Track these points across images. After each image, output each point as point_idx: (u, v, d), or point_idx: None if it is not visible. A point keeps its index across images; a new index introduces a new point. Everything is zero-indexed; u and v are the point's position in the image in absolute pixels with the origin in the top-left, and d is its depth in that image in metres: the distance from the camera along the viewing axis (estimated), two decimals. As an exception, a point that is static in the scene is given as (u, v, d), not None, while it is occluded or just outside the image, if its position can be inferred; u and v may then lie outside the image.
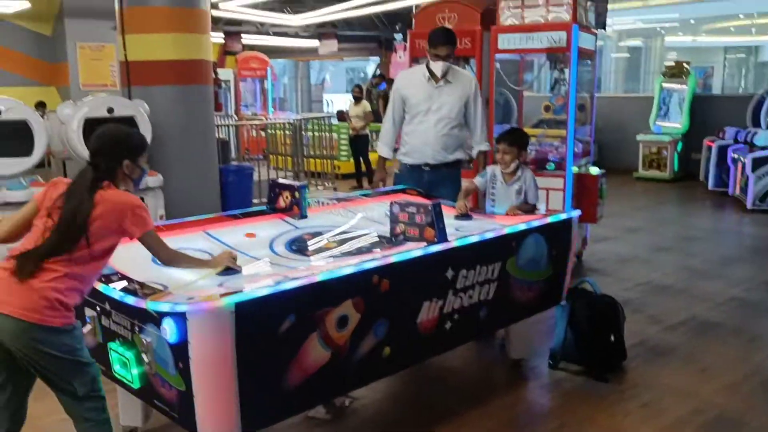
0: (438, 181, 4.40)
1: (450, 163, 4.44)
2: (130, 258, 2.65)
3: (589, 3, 6.03)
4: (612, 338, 3.83)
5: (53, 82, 14.13)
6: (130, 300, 2.38)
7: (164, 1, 6.87)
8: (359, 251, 3.11)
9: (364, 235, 3.38)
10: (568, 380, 3.77)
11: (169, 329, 2.23)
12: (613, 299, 3.91)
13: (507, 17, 5.62)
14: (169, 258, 2.54)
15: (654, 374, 3.83)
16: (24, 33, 13.72)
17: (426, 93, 4.39)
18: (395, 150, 4.70)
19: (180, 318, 2.20)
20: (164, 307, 2.24)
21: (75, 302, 2.34)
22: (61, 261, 2.27)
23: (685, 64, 11.50)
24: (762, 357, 4.09)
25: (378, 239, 3.31)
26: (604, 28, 9.84)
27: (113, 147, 2.43)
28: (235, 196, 7.51)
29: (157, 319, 2.29)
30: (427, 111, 4.39)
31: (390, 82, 15.05)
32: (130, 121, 6.45)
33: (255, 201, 7.98)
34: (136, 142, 2.53)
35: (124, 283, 2.52)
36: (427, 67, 4.40)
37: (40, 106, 10.50)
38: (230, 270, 2.65)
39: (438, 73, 4.33)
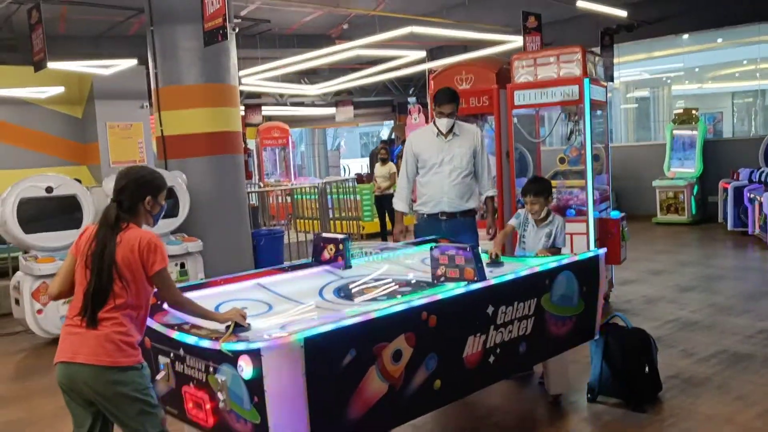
0: (455, 229, 4.70)
1: (465, 211, 4.78)
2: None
3: (597, 58, 6.41)
4: (647, 369, 3.98)
5: (85, 161, 14.74)
6: (206, 343, 2.62)
7: (196, 79, 7.37)
8: (403, 293, 3.35)
9: (404, 279, 3.62)
10: (607, 413, 3.92)
11: (245, 366, 2.47)
12: (644, 331, 4.09)
13: (521, 75, 6.00)
14: (177, 300, 2.70)
15: (690, 404, 3.97)
16: (57, 116, 14.42)
17: (437, 147, 4.76)
18: (412, 204, 5.04)
19: (255, 354, 2.44)
20: (240, 345, 2.48)
21: (138, 338, 2.60)
22: (117, 305, 2.53)
23: (693, 111, 11.84)
24: (795, 384, 4.21)
25: (419, 282, 3.55)
26: (612, 81, 10.23)
27: (137, 185, 2.69)
28: (267, 258, 7.81)
29: (231, 358, 2.53)
30: (441, 163, 4.75)
31: (404, 142, 15.55)
32: (169, 191, 6.83)
33: (286, 263, 8.26)
34: (157, 180, 2.77)
35: (196, 330, 2.78)
36: (435, 125, 4.76)
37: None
38: (239, 327, 2.71)
39: (444, 129, 4.72)
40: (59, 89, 12.35)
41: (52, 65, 8.49)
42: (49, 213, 6.19)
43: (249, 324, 2.76)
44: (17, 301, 6.11)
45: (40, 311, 5.94)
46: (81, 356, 2.52)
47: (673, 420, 3.77)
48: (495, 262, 4.03)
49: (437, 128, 4.76)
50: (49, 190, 6.11)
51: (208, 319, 2.79)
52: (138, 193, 2.68)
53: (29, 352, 6.06)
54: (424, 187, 4.83)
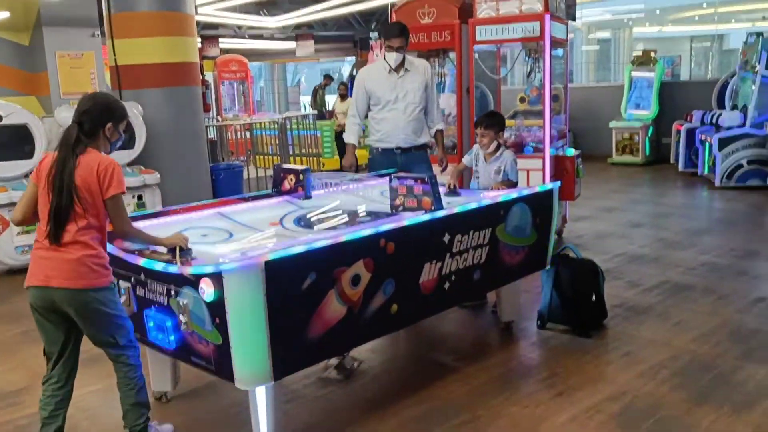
0: (410, 162, 4.78)
1: (419, 145, 4.86)
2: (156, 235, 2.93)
3: (559, -5, 6.41)
4: (593, 298, 4.18)
5: (33, 92, 14.16)
6: (172, 268, 2.66)
7: (151, 5, 7.13)
8: (362, 223, 3.42)
9: (363, 210, 3.69)
10: (555, 338, 4.12)
11: (206, 288, 2.52)
12: (592, 262, 4.27)
13: (483, 10, 5.97)
14: (125, 230, 2.74)
15: (633, 329, 4.20)
16: (2, 43, 13.79)
17: (390, 84, 4.77)
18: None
19: (217, 277, 2.49)
20: (202, 269, 2.53)
21: (107, 259, 2.68)
22: (80, 228, 2.58)
23: (652, 53, 11.99)
24: (730, 312, 4.47)
25: (378, 213, 3.62)
26: (574, 20, 10.24)
27: (100, 110, 2.70)
28: (226, 193, 7.74)
29: (193, 281, 2.58)
30: (395, 100, 4.77)
31: None
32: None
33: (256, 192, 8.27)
34: (121, 109, 2.79)
35: (157, 255, 2.81)
36: (385, 60, 4.76)
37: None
38: (182, 250, 2.76)
39: (393, 64, 4.72)
40: (4, 14, 11.76)
41: (-4, -13, 8.09)
42: (-1, 142, 6.02)
43: (191, 248, 2.81)
44: (-31, 232, 5.99)
45: (-7, 242, 5.85)
46: (55, 280, 2.59)
47: (616, 344, 3.99)
48: (452, 192, 4.12)
49: (388, 64, 4.76)
50: (-2, 118, 5.92)
51: (157, 245, 2.84)
52: (101, 118, 2.69)
53: (-17, 282, 6.00)
54: (379, 124, 4.85)
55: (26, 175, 6.21)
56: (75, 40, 13.61)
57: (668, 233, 6.66)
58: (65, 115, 6.43)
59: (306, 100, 28.71)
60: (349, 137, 5.06)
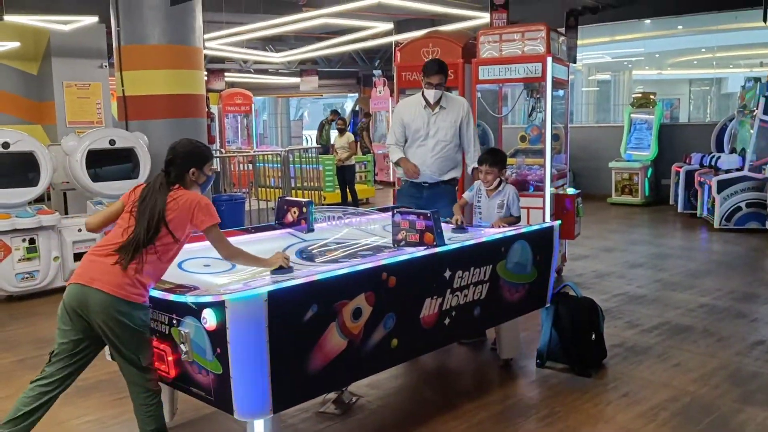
0: (435, 195, 4.83)
1: (447, 180, 4.90)
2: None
3: (561, 37, 6.54)
4: (593, 337, 4.18)
5: (39, 121, 14.34)
6: (171, 296, 2.68)
7: (160, 38, 7.26)
8: (363, 256, 3.44)
9: (365, 243, 3.72)
10: (554, 377, 4.10)
11: (209, 318, 2.53)
12: (592, 301, 4.27)
13: (486, 50, 6.09)
14: (231, 253, 2.92)
15: (632, 370, 4.19)
16: (11, 72, 13.98)
17: (424, 120, 4.85)
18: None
19: (219, 307, 2.51)
20: (205, 298, 2.55)
21: (151, 284, 2.76)
22: (146, 252, 2.72)
23: (651, 95, 12.16)
24: (730, 353, 4.46)
25: (378, 247, 3.65)
26: (575, 62, 10.39)
27: (183, 158, 2.89)
28: (228, 224, 7.76)
29: (195, 310, 2.59)
30: (426, 136, 4.85)
31: (368, 115, 15.54)
32: (130, 152, 6.78)
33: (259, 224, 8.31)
34: (204, 153, 2.99)
35: (161, 285, 2.83)
36: (423, 95, 4.83)
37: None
38: (282, 269, 2.92)
39: (431, 100, 4.80)
40: (14, 44, 11.96)
41: (8, 18, 8.24)
42: (5, 169, 6.06)
43: (292, 266, 2.97)
44: (-29, 258, 6.00)
45: (-7, 268, 5.86)
46: (98, 282, 2.68)
47: (616, 384, 3.97)
48: (459, 228, 4.15)
49: (425, 99, 4.83)
50: (5, 145, 5.98)
51: (262, 266, 2.98)
52: (184, 166, 2.87)
53: (-18, 309, 5.99)
54: (411, 158, 4.90)
55: (30, 203, 6.26)
56: (83, 70, 13.84)
57: (667, 274, 6.68)
58: (71, 144, 6.51)
59: (309, 134, 29.02)
60: (396, 153, 4.93)
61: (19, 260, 5.96)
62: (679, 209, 10.37)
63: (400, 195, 5.00)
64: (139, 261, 2.70)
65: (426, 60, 5.00)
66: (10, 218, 5.88)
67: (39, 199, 6.75)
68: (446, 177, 4.90)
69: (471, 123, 4.96)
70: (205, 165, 2.95)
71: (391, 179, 13.15)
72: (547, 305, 4.19)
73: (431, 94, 4.79)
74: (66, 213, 7.66)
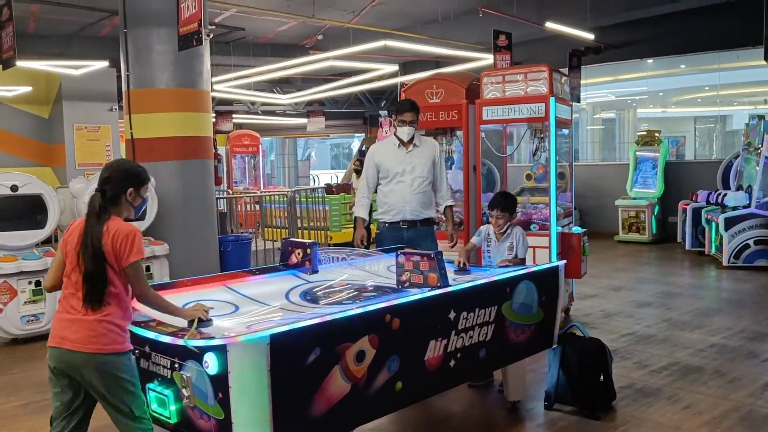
0: (416, 237, 4.85)
1: (424, 220, 4.94)
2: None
3: (564, 78, 6.61)
4: (601, 378, 4.12)
5: (50, 163, 14.52)
6: (172, 340, 2.66)
7: (168, 82, 7.38)
8: (367, 298, 3.43)
9: (369, 284, 3.70)
10: (562, 419, 4.03)
11: (210, 362, 2.52)
12: (600, 341, 4.22)
13: (490, 91, 6.16)
14: (145, 295, 2.74)
15: (642, 412, 4.11)
16: (22, 116, 14.21)
17: (398, 158, 4.93)
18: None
19: (221, 351, 2.49)
20: (206, 342, 2.54)
21: (126, 323, 2.70)
22: (110, 295, 2.64)
23: (656, 133, 12.22)
24: (741, 395, 4.38)
25: (384, 288, 3.64)
26: (579, 101, 10.49)
27: (121, 176, 2.80)
28: (234, 265, 7.80)
29: (197, 354, 2.58)
30: (403, 173, 4.92)
31: None
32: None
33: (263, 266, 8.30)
34: (141, 174, 2.88)
35: (162, 328, 2.82)
36: (396, 135, 4.92)
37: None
38: (202, 322, 2.77)
39: (405, 138, 4.89)
40: (27, 88, 12.19)
41: (21, 64, 8.41)
42: (13, 212, 6.12)
43: (211, 319, 2.84)
44: (-23, 300, 6.01)
45: None
46: (68, 342, 2.62)
47: (625, 427, 3.90)
48: (462, 270, 4.13)
49: (398, 139, 4.92)
50: (14, 188, 6.04)
51: (174, 315, 2.84)
52: (122, 185, 2.79)
53: (-13, 351, 5.97)
54: (387, 197, 4.96)
55: (37, 245, 6.29)
56: (93, 113, 14.06)
57: (676, 313, 6.61)
58: (79, 187, 6.57)
59: (315, 173, 29.18)
60: (359, 211, 5.15)
61: (25, 303, 5.97)
62: (687, 247, 10.31)
63: (380, 238, 5.00)
64: (101, 300, 2.61)
65: (401, 100, 5.12)
66: (17, 261, 5.91)
67: (47, 241, 6.79)
68: (425, 215, 4.93)
69: (443, 162, 5.12)
70: (142, 186, 2.85)
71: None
72: (554, 346, 4.14)
73: (404, 131, 4.88)
74: (73, 255, 7.69)
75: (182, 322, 2.90)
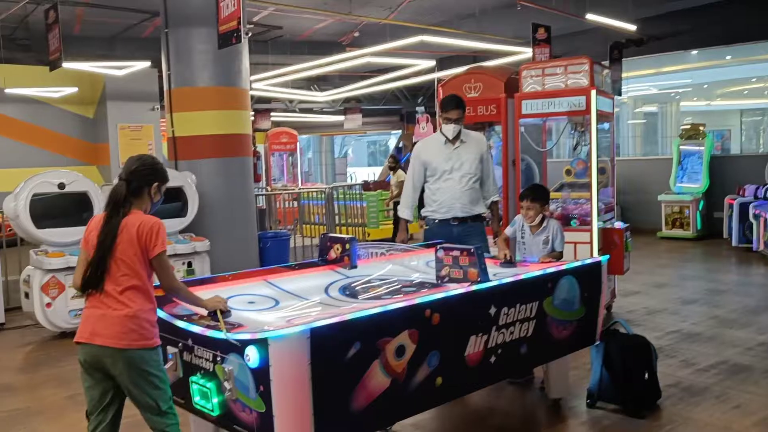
0: (466, 234, 4.73)
1: (475, 216, 4.83)
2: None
3: (605, 70, 6.49)
4: (646, 376, 4.03)
5: (95, 161, 14.91)
6: (215, 333, 2.69)
7: (208, 81, 7.49)
8: (407, 293, 3.42)
9: (409, 279, 3.69)
10: (605, 418, 3.96)
11: (252, 355, 2.53)
12: (644, 338, 4.13)
13: (529, 85, 6.08)
14: (173, 286, 2.81)
15: (689, 411, 4.01)
16: (69, 116, 14.61)
17: (445, 155, 4.82)
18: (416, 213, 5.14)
19: (263, 344, 2.51)
20: (248, 335, 2.55)
21: (155, 318, 2.73)
22: (125, 288, 2.66)
23: (700, 126, 11.90)
24: (793, 395, 4.24)
25: (421, 283, 3.62)
26: (620, 95, 10.28)
27: (149, 170, 2.84)
28: (273, 261, 7.88)
29: (239, 348, 2.60)
30: (451, 170, 4.81)
31: None
32: (179, 191, 6.94)
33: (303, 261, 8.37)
34: (165, 172, 2.93)
35: (204, 321, 2.86)
36: (441, 132, 4.84)
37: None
38: (222, 313, 2.82)
39: (450, 135, 4.79)
40: (73, 89, 12.51)
41: (67, 65, 8.62)
42: (60, 209, 6.29)
43: (230, 310, 2.89)
44: (27, 295, 6.19)
45: (49, 305, 6.02)
46: (99, 338, 2.66)
47: (671, 426, 3.81)
48: (508, 263, 4.09)
49: (444, 135, 4.83)
50: (61, 186, 6.20)
51: (197, 305, 2.90)
52: (148, 178, 2.83)
53: (37, 344, 6.14)
54: (435, 194, 4.88)
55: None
56: (135, 113, 14.40)
57: (723, 311, 6.43)
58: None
59: (352, 170, 29.30)
60: (403, 211, 5.08)
61: (72, 297, 6.11)
62: (734, 243, 10.02)
63: (429, 235, 4.93)
64: (121, 296, 2.64)
65: (446, 95, 5.00)
66: (64, 256, 6.06)
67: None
68: (476, 211, 4.83)
69: (490, 157, 4.99)
70: (164, 184, 2.89)
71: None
72: (597, 343, 4.06)
73: (450, 129, 4.78)
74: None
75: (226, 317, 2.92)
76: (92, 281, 2.68)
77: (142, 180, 2.81)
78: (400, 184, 11.17)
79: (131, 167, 2.83)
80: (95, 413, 2.78)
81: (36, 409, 4.50)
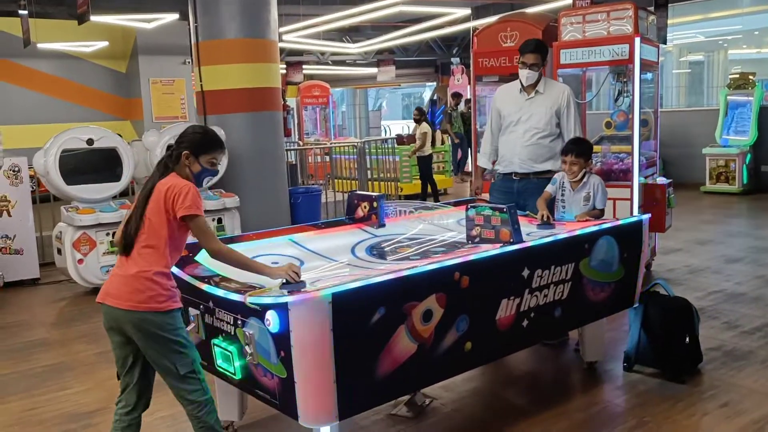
0: (527, 190, 4.47)
1: (539, 172, 4.50)
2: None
3: (650, 17, 6.11)
4: (687, 340, 3.85)
5: (128, 116, 14.96)
6: (236, 296, 2.60)
7: (236, 33, 7.30)
8: (436, 253, 3.28)
9: (439, 239, 3.55)
10: (643, 382, 3.81)
11: (272, 320, 2.44)
12: (686, 301, 3.93)
13: (569, 32, 5.76)
14: (217, 250, 2.66)
15: (732, 376, 3.83)
16: (102, 70, 14.62)
17: (517, 105, 4.53)
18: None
19: (282, 309, 2.41)
20: (268, 300, 2.45)
21: (169, 282, 2.62)
22: (142, 246, 2.59)
23: (750, 75, 11.32)
24: None
25: (452, 243, 3.47)
26: (665, 43, 9.79)
27: (185, 139, 2.74)
28: (304, 216, 7.80)
29: (260, 312, 2.51)
30: (517, 122, 4.53)
31: (457, 96, 15.06)
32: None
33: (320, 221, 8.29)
34: (205, 140, 2.76)
35: (226, 284, 2.77)
36: (519, 79, 4.54)
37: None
38: (290, 284, 2.63)
39: (524, 82, 4.46)
40: (103, 43, 12.45)
41: (94, 18, 8.53)
42: (90, 165, 6.26)
43: (304, 281, 2.68)
44: (59, 251, 6.24)
45: (80, 261, 6.06)
46: (111, 298, 2.60)
47: (713, 392, 3.64)
48: (546, 224, 3.90)
49: (521, 83, 4.52)
50: (90, 142, 6.16)
51: (261, 273, 2.72)
52: (182, 146, 2.72)
53: (70, 300, 6.21)
54: (501, 147, 4.65)
55: (114, 197, 6.44)
56: (167, 67, 14.32)
57: (770, 270, 6.16)
58: (152, 140, 6.64)
59: (386, 124, 28.97)
60: (480, 159, 4.88)
61: (104, 254, 6.14)
62: (782, 198, 9.61)
63: (492, 189, 4.72)
64: (138, 254, 2.58)
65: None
66: (95, 213, 6.07)
67: (124, 193, 6.96)
68: (539, 168, 4.48)
69: (572, 112, 4.51)
70: (203, 154, 2.71)
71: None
72: (636, 305, 3.89)
73: (524, 74, 4.43)
74: (149, 207, 7.87)
75: (246, 278, 2.83)
76: (124, 240, 2.63)
77: (179, 148, 2.73)
78: (423, 136, 10.96)
79: (179, 134, 2.79)
80: (122, 374, 2.74)
81: (68, 364, 4.54)
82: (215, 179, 6.47)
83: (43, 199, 7.69)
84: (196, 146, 2.73)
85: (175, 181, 2.64)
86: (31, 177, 7.36)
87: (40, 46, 11.68)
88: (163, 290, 2.58)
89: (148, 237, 2.60)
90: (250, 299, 2.53)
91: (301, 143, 14.55)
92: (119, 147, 6.36)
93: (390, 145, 11.85)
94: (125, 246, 2.61)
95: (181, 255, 2.81)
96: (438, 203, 4.43)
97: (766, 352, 4.17)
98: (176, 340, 2.60)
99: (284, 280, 2.66)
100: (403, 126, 26.51)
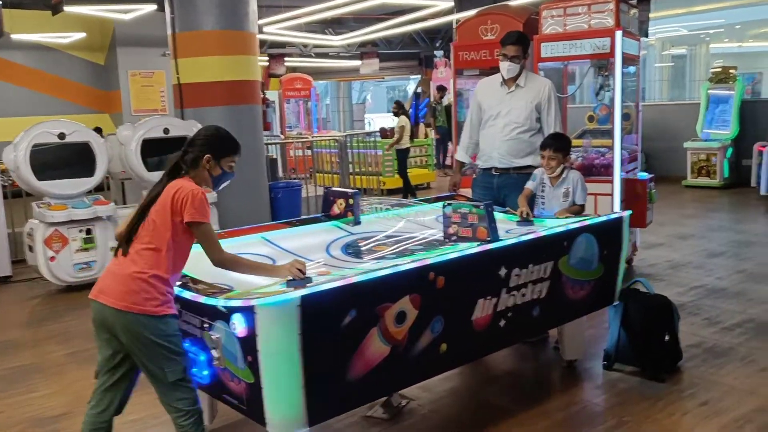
0: (507, 185, 4.41)
1: (519, 167, 4.42)
2: (197, 262, 2.78)
3: (632, 10, 6.05)
4: (667, 338, 3.81)
5: (107, 109, 14.72)
6: (201, 299, 2.51)
7: (214, 25, 7.16)
8: (412, 252, 3.20)
9: (417, 237, 3.47)
10: (623, 380, 3.76)
11: (238, 323, 2.34)
12: (666, 298, 3.89)
13: (549, 26, 5.69)
14: (220, 259, 2.58)
15: (712, 374, 3.80)
16: (80, 62, 14.36)
17: (498, 98, 4.46)
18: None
19: (249, 312, 2.31)
20: (234, 302, 2.36)
21: (166, 287, 2.51)
22: (141, 247, 2.49)
23: (731, 69, 11.33)
24: (824, 357, 4.00)
25: (430, 241, 3.39)
26: (647, 36, 9.75)
27: (203, 141, 2.65)
28: (284, 211, 7.70)
29: (226, 315, 2.41)
30: (497, 116, 4.45)
31: (442, 89, 14.97)
32: (184, 141, 6.72)
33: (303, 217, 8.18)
34: (226, 143, 2.70)
35: (194, 285, 2.67)
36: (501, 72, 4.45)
37: (97, 131, 10.95)
38: (295, 281, 2.58)
39: (505, 74, 4.38)
40: (81, 35, 12.22)
41: (69, 9, 8.33)
42: (62, 160, 6.10)
43: (310, 277, 2.62)
44: (31, 248, 6.09)
45: (52, 258, 5.91)
46: (104, 296, 2.51)
47: (693, 391, 3.60)
48: (526, 221, 3.83)
49: (501, 76, 4.44)
50: (61, 136, 6.00)
51: (268, 275, 2.67)
52: (201, 149, 2.63)
53: (43, 298, 6.07)
54: (481, 141, 4.58)
55: (87, 193, 6.30)
56: (146, 59, 14.09)
57: (751, 264, 6.14)
58: (126, 134, 6.50)
59: (370, 117, 28.84)
60: (459, 153, 4.82)
61: (77, 251, 6.00)
62: (762, 192, 9.61)
63: (474, 184, 4.66)
64: (136, 254, 2.48)
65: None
66: (67, 209, 5.92)
67: (99, 189, 6.80)
68: (518, 163, 4.41)
69: (553, 107, 4.43)
70: (224, 157, 2.66)
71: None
72: (615, 303, 3.84)
73: (505, 67, 4.35)
74: (125, 203, 7.72)
75: (215, 279, 2.73)
76: (124, 236, 2.55)
77: (196, 150, 2.62)
78: (401, 130, 10.86)
79: (191, 138, 2.70)
80: (102, 372, 2.62)
81: (37, 366, 4.42)
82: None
83: (15, 195, 7.51)
84: (218, 149, 2.66)
85: (184, 184, 2.55)
86: (3, 172, 7.19)
87: (14, 37, 11.43)
88: (159, 294, 2.48)
89: (150, 239, 2.52)
90: (218, 300, 2.44)
91: (283, 137, 14.39)
92: (92, 141, 6.21)
93: (373, 139, 11.76)
94: (126, 241, 2.53)
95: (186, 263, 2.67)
96: (411, 200, 4.35)
97: (746, 349, 4.14)
98: (167, 346, 2.49)
99: (290, 278, 2.60)
100: (387, 119, 26.43)
